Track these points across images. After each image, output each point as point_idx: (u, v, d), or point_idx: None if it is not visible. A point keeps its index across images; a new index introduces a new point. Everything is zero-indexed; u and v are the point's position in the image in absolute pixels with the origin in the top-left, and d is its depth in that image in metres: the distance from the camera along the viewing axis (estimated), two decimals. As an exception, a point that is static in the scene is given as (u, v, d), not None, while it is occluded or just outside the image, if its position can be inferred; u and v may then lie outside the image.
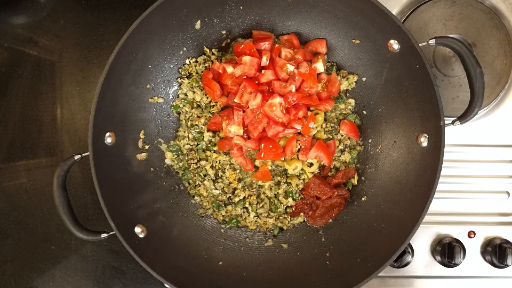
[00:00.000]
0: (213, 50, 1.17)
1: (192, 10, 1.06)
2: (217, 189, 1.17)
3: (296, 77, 1.11)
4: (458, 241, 1.18)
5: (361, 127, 1.19)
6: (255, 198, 1.17)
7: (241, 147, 1.13)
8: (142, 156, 1.13)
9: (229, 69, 1.10)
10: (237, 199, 1.16)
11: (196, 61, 1.17)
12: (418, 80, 1.00)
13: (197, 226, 1.17)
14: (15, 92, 1.25)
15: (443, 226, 1.21)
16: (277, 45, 1.15)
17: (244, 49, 1.12)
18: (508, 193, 1.23)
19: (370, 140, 1.17)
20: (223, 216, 1.18)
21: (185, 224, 1.16)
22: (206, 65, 1.16)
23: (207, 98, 1.16)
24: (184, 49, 1.14)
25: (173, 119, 1.18)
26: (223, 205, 1.17)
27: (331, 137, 1.18)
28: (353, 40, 1.12)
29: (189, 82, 1.15)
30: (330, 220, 1.16)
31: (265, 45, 1.13)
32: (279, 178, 1.17)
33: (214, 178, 1.17)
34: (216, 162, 1.16)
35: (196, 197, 1.18)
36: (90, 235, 0.98)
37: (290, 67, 1.10)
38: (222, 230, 1.18)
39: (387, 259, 0.96)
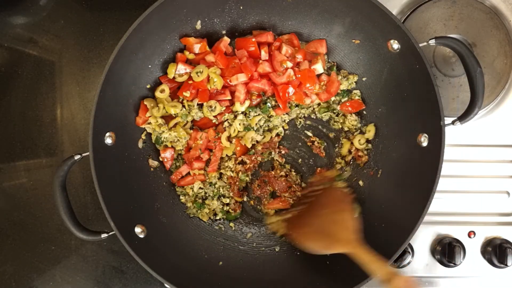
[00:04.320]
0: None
1: (192, 10, 1.06)
2: (201, 188, 1.17)
3: (294, 78, 1.11)
4: (458, 241, 1.18)
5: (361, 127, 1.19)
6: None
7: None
8: (154, 163, 1.14)
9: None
10: (213, 180, 1.16)
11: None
12: (418, 80, 1.00)
13: (197, 226, 1.17)
14: (15, 92, 1.25)
15: (443, 226, 1.21)
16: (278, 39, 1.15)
17: (246, 43, 1.12)
18: (508, 193, 1.23)
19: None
20: (207, 214, 1.17)
21: (185, 224, 1.16)
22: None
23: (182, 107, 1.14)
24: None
25: (173, 119, 1.18)
26: (202, 201, 1.16)
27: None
28: (353, 40, 1.12)
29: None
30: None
31: (268, 37, 1.13)
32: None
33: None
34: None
35: (181, 197, 1.17)
36: (90, 235, 0.98)
37: (289, 64, 1.10)
38: (222, 230, 1.18)
39: (387, 259, 0.96)
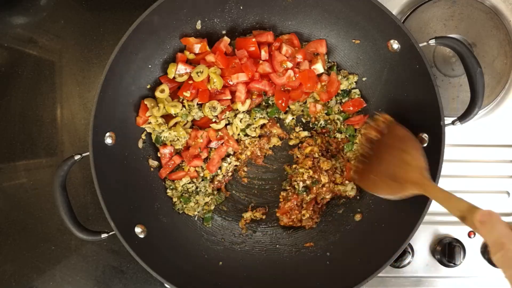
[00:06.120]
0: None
1: (192, 10, 1.06)
2: (192, 182, 1.16)
3: (294, 78, 1.11)
4: (458, 241, 1.18)
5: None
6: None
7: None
8: (154, 163, 1.14)
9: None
10: (208, 176, 1.16)
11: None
12: (418, 80, 1.00)
13: (197, 225, 1.17)
14: (15, 92, 1.25)
15: (443, 226, 1.21)
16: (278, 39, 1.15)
17: (246, 43, 1.12)
18: (508, 193, 1.23)
19: (370, 140, 1.17)
20: (193, 207, 1.16)
21: (185, 224, 1.16)
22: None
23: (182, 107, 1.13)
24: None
25: (173, 119, 1.18)
26: (188, 197, 1.16)
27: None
28: (353, 40, 1.12)
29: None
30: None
31: (268, 37, 1.13)
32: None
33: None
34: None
35: (168, 191, 1.16)
36: (90, 235, 0.98)
37: (289, 64, 1.10)
38: (222, 230, 1.18)
39: (387, 259, 0.96)
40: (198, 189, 1.17)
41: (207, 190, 1.17)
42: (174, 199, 1.16)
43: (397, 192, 0.97)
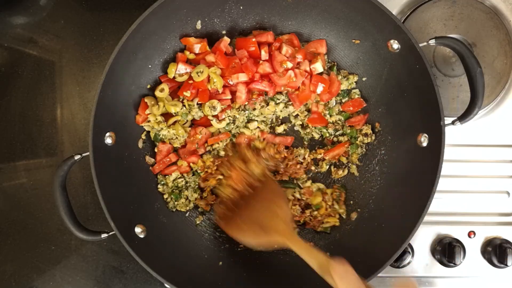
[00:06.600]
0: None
1: (192, 10, 1.06)
2: (182, 177, 1.16)
3: (294, 79, 1.11)
4: (458, 241, 1.18)
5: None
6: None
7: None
8: (151, 160, 1.14)
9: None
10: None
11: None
12: (418, 80, 1.00)
13: (196, 225, 1.17)
14: (15, 92, 1.25)
15: (443, 226, 1.21)
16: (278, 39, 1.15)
17: (246, 43, 1.12)
18: (508, 193, 1.23)
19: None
20: (184, 204, 1.16)
21: (185, 224, 1.16)
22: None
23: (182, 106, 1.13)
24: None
25: (173, 119, 1.18)
26: (179, 192, 1.15)
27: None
28: (353, 40, 1.12)
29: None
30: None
31: (268, 37, 1.13)
32: None
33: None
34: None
35: (159, 186, 1.15)
36: (90, 235, 0.98)
37: (289, 64, 1.10)
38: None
39: (387, 259, 0.96)
40: (188, 184, 1.16)
41: (196, 185, 1.17)
42: (165, 196, 1.16)
43: (261, 238, 1.03)
